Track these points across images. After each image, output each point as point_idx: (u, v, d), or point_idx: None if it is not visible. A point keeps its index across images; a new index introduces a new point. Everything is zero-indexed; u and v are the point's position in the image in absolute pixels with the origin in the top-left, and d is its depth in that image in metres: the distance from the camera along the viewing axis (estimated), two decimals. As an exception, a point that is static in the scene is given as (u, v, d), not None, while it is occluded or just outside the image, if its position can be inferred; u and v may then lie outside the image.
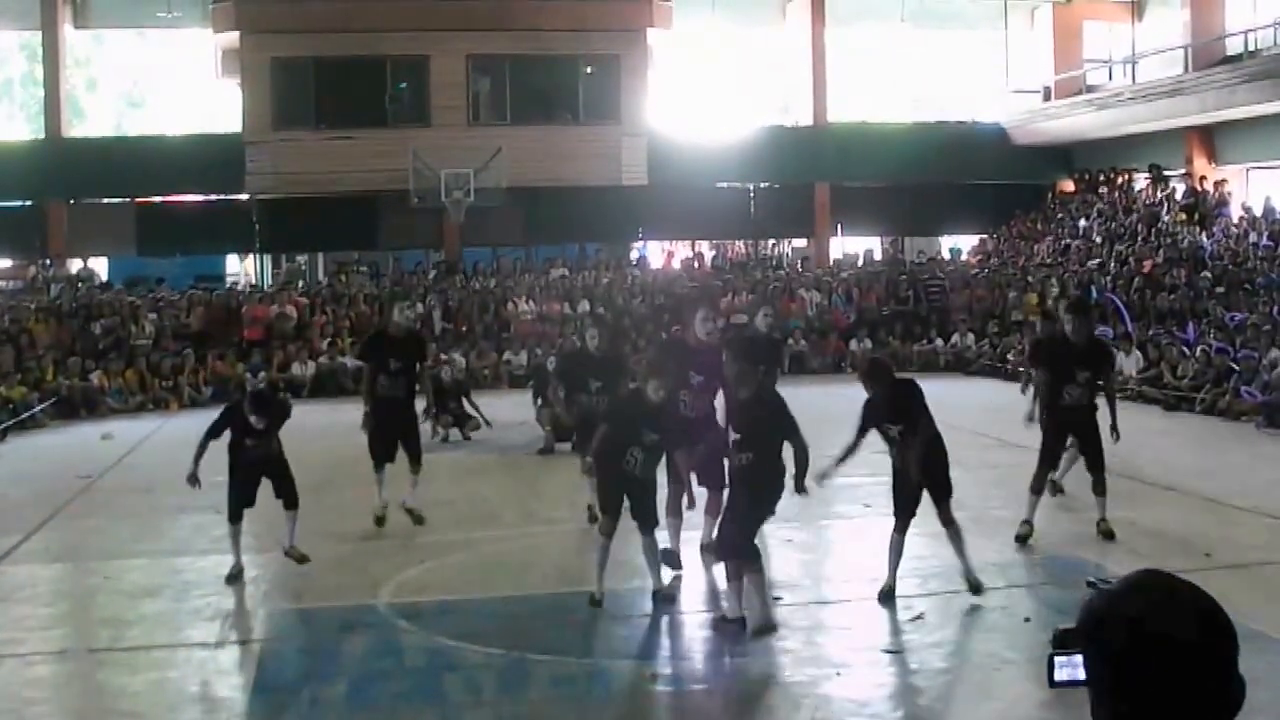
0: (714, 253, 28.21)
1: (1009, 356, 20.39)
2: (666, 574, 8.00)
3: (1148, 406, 16.26)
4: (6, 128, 31.90)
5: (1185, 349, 17.61)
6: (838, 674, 6.71)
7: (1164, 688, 1.70)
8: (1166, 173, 25.10)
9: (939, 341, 22.86)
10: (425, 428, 11.45)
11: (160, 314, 21.95)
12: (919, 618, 7.50)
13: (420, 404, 10.58)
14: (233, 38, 24.36)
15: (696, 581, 8.67)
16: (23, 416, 17.18)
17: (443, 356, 17.77)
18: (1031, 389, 10.63)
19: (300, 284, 25.19)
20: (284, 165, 24.42)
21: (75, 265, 25.58)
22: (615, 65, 25.40)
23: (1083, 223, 25.60)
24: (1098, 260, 23.23)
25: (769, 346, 9.51)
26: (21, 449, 15.88)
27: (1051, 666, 1.86)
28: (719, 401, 8.54)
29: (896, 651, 6.94)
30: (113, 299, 22.50)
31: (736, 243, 29.19)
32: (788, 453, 7.33)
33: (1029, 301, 22.62)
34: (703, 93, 30.64)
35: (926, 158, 27.04)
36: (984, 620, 7.56)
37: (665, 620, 7.79)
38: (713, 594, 8.25)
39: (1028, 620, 7.40)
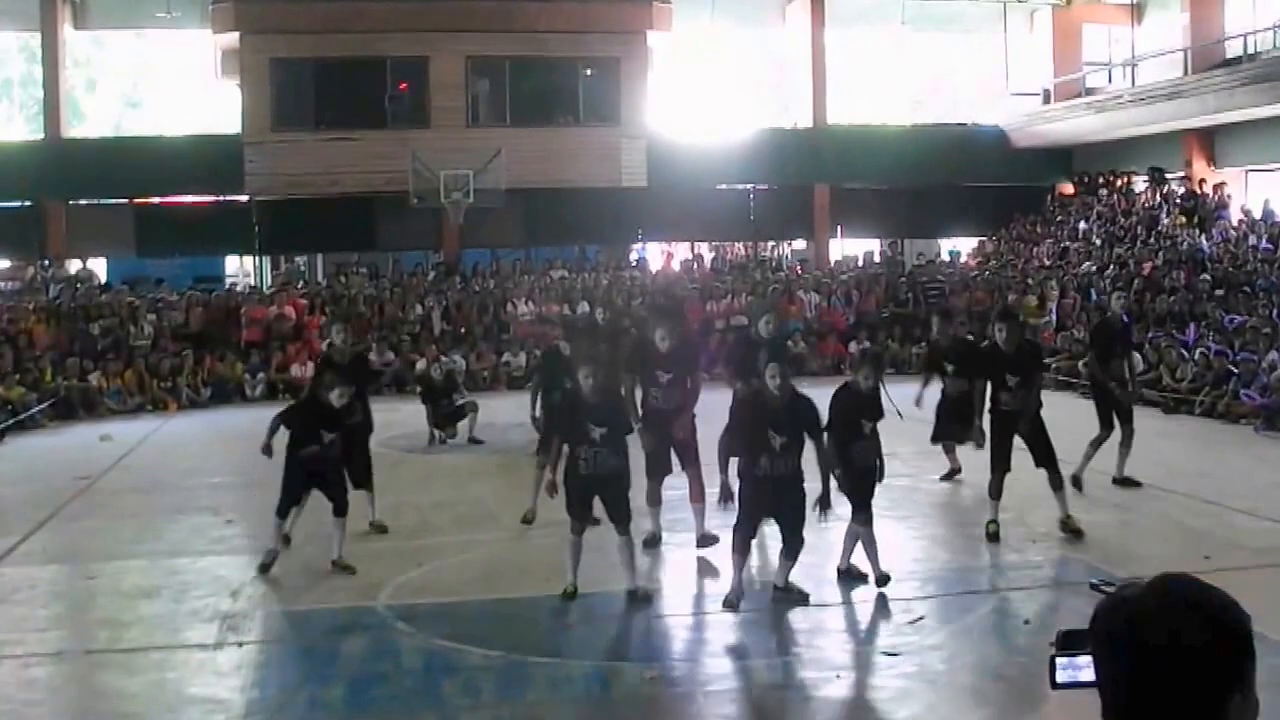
0: (713, 254, 28.21)
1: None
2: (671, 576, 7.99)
3: (1147, 409, 16.23)
4: (6, 128, 31.94)
5: (1184, 351, 17.61)
6: (838, 676, 6.71)
7: (1176, 693, 1.67)
8: (1166, 175, 25.11)
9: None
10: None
11: (159, 315, 21.94)
12: (919, 620, 7.49)
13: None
14: (232, 38, 24.35)
15: (693, 583, 8.67)
16: (21, 417, 17.17)
17: (442, 358, 17.75)
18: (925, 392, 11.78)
19: (300, 285, 25.16)
20: (283, 166, 24.40)
21: (74, 266, 25.55)
22: (615, 67, 25.40)
23: (1082, 225, 25.60)
24: (1096, 265, 23.22)
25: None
26: (20, 450, 15.87)
27: (1053, 668, 1.84)
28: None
29: (896, 654, 6.93)
30: (112, 300, 22.49)
31: (736, 244, 29.17)
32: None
33: (1028, 304, 22.62)
34: (702, 95, 30.67)
35: (926, 160, 27.04)
36: (984, 623, 7.55)
37: (664, 622, 7.78)
38: (711, 595, 8.25)
39: (1027, 623, 7.40)
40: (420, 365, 19.05)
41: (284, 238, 26.52)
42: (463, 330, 22.38)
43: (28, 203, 25.55)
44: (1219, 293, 19.71)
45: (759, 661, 6.97)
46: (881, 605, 7.84)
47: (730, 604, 7.67)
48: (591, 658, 7.07)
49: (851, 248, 28.37)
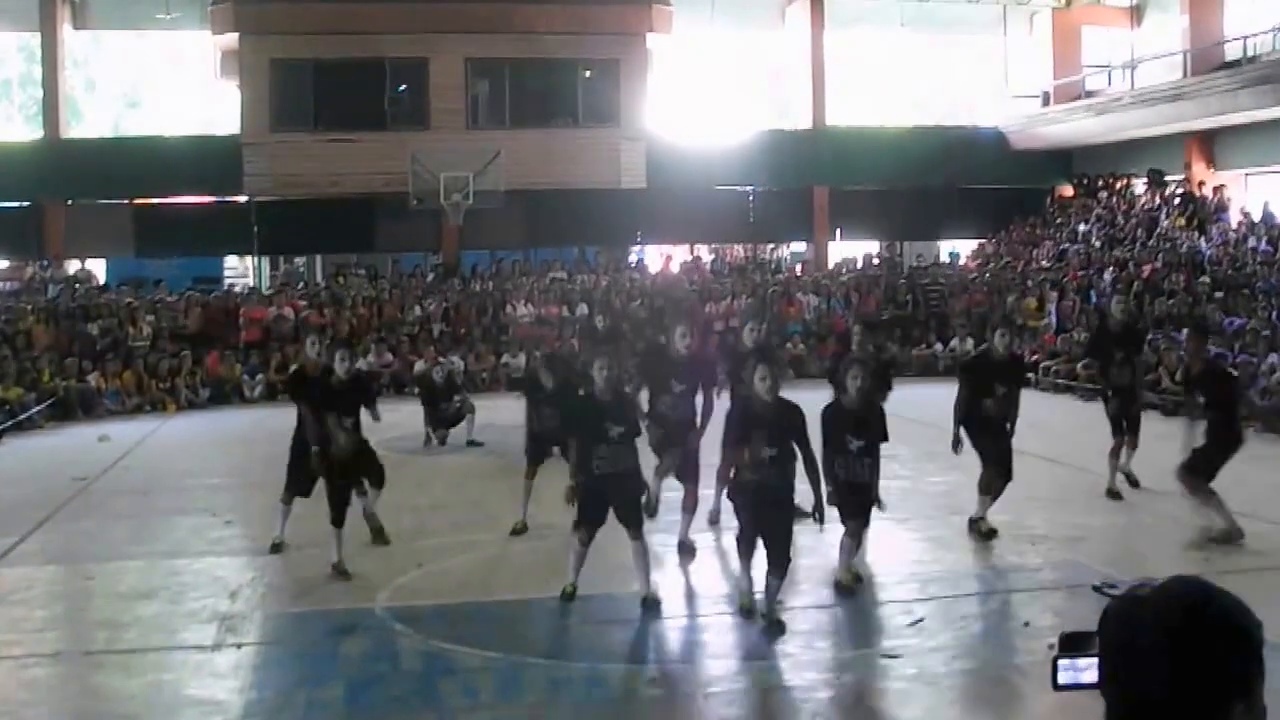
0: (713, 256, 28.21)
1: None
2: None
3: (1146, 411, 16.21)
4: (5, 128, 31.90)
5: (1184, 353, 17.58)
6: (837, 678, 6.69)
7: (1179, 698, 1.66)
8: (1165, 178, 25.12)
9: (938, 346, 22.83)
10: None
11: (158, 315, 21.93)
12: (919, 622, 7.48)
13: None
14: (231, 39, 24.34)
15: (693, 585, 8.66)
16: (20, 418, 17.15)
17: (441, 360, 17.75)
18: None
19: (299, 286, 25.15)
20: (282, 167, 24.40)
21: (73, 266, 25.55)
22: (614, 69, 25.40)
23: (1082, 227, 25.60)
24: (1096, 268, 23.23)
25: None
26: (18, 450, 15.85)
27: (1055, 670, 1.84)
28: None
29: (897, 656, 6.91)
30: (110, 300, 22.48)
31: (735, 246, 29.17)
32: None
33: (1028, 306, 22.63)
34: (702, 96, 30.65)
35: (926, 162, 27.05)
36: (983, 625, 7.54)
37: (663, 624, 7.77)
38: (710, 596, 8.24)
39: (1027, 625, 7.39)
40: (419, 366, 19.05)
41: (283, 239, 26.51)
42: (462, 332, 22.37)
43: (26, 203, 25.55)
44: (1219, 295, 19.71)
45: (759, 663, 6.95)
46: (882, 607, 7.83)
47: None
48: (590, 659, 7.05)
49: (851, 249, 28.38)
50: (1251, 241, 21.48)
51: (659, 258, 27.54)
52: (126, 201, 25.85)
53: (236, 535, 10.38)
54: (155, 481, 12.99)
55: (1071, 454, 12.89)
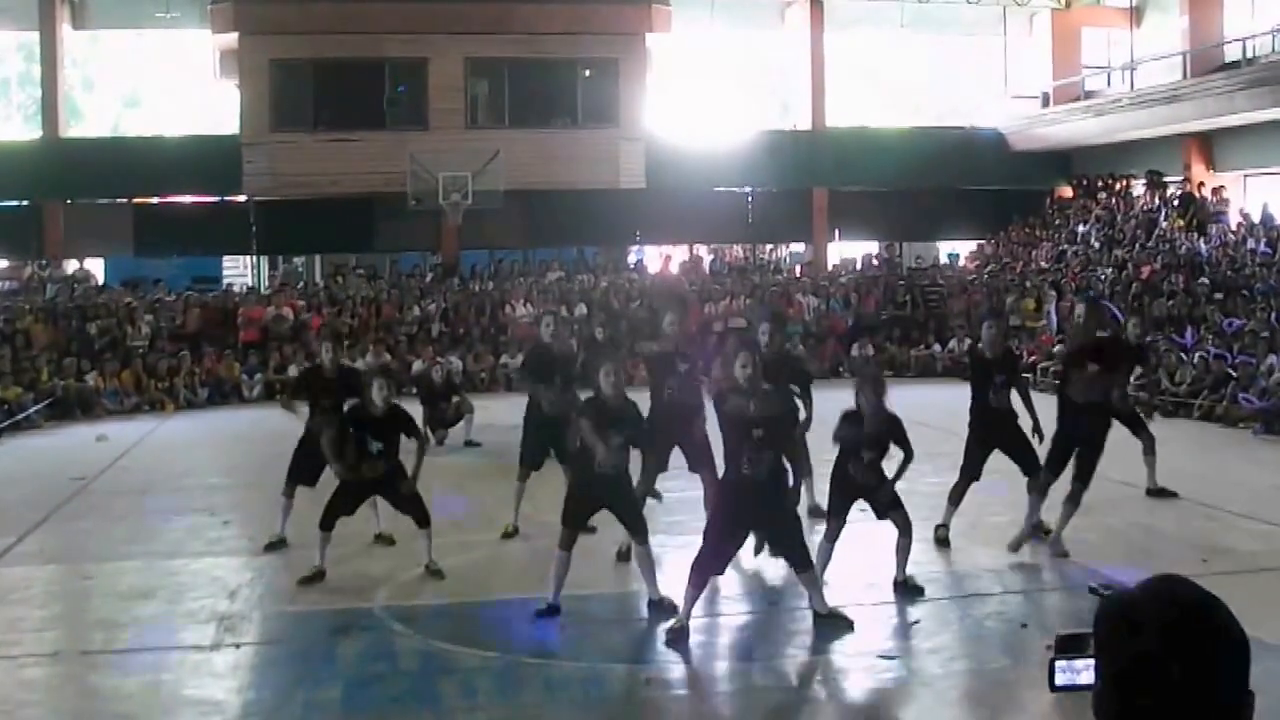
0: (712, 257, 28.22)
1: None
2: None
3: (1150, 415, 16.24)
4: (4, 128, 31.92)
5: (1183, 355, 17.62)
6: (835, 679, 6.69)
7: (1173, 694, 1.66)
8: (1165, 179, 25.13)
9: (936, 347, 22.84)
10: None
11: (156, 315, 21.94)
12: (916, 623, 7.48)
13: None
14: (231, 39, 24.34)
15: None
16: (18, 417, 17.15)
17: (440, 360, 17.74)
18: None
19: (299, 285, 25.15)
20: (282, 167, 24.39)
21: (72, 266, 25.54)
22: (614, 69, 25.40)
23: (1081, 228, 25.62)
24: (1094, 269, 23.24)
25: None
26: (16, 450, 15.85)
27: (1052, 671, 1.84)
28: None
29: (893, 657, 6.91)
30: (109, 300, 22.48)
31: (734, 247, 29.18)
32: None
33: (1026, 307, 22.63)
34: (701, 97, 30.68)
35: (925, 163, 27.06)
36: (980, 626, 7.54)
37: (662, 624, 7.76)
38: (708, 597, 8.22)
39: (1024, 626, 7.39)
40: (418, 366, 19.04)
41: (282, 238, 26.52)
42: (460, 332, 22.37)
43: (25, 202, 25.56)
44: (1218, 296, 19.73)
45: (756, 663, 6.95)
46: (879, 608, 7.83)
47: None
48: (588, 659, 7.05)
49: (850, 250, 28.39)
50: (1250, 243, 21.50)
51: (658, 258, 27.54)
52: (125, 201, 25.87)
53: (235, 535, 10.37)
54: (153, 481, 12.99)
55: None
